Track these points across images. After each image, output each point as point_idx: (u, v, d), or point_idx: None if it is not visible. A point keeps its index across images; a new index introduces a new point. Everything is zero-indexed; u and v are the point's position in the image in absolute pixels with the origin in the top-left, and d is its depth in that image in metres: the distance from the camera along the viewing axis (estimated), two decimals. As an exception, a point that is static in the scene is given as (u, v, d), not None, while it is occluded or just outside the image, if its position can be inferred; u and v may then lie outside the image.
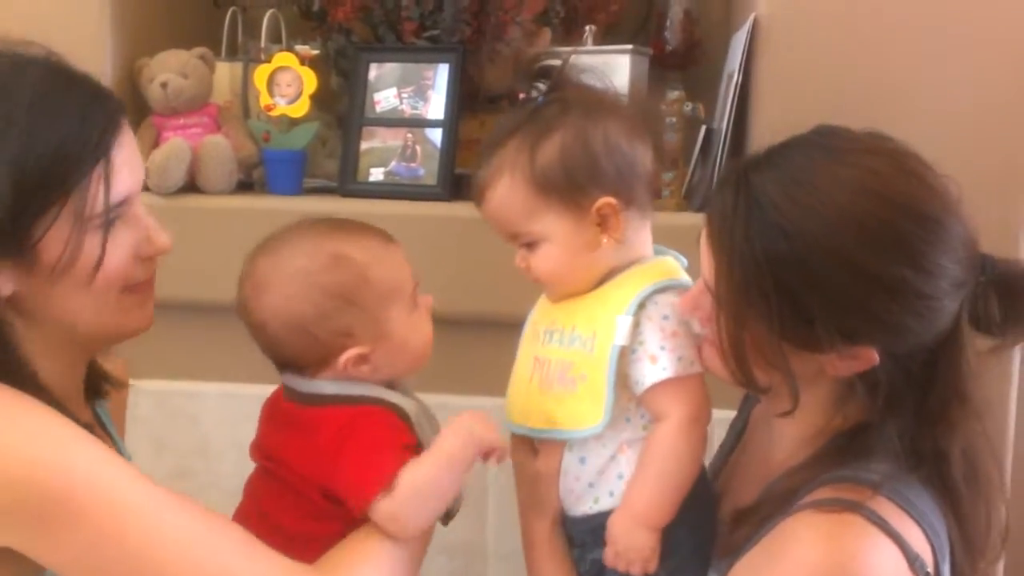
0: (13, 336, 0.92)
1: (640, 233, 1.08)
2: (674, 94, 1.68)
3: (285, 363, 1.06)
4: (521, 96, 1.07)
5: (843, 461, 0.94)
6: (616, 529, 1.02)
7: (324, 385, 1.04)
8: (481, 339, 1.55)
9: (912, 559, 0.89)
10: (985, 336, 0.94)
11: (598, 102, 1.06)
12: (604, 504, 1.05)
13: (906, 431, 0.94)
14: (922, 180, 0.92)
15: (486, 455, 1.02)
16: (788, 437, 1.02)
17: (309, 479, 1.02)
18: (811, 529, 0.89)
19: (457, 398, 1.69)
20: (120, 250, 0.95)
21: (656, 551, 1.01)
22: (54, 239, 0.89)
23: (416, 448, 1.02)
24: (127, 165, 0.95)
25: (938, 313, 0.90)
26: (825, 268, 0.88)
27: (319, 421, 1.02)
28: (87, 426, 0.92)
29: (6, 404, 0.87)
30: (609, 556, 1.03)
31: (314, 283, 1.01)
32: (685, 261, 1.10)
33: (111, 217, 0.93)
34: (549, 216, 1.03)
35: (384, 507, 0.98)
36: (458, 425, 1.02)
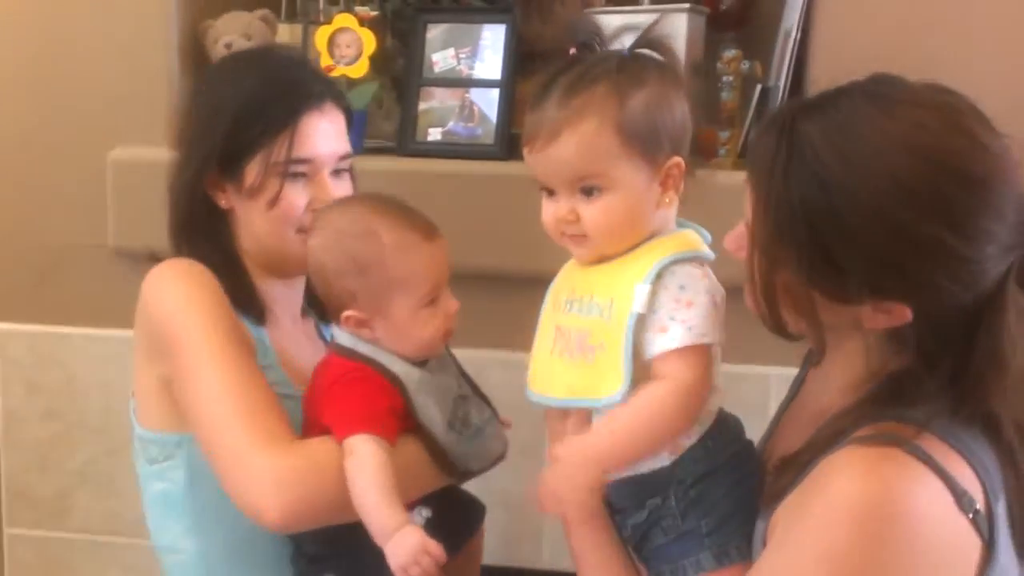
0: (229, 237, 1.28)
1: (674, 206, 1.09)
2: (731, 52, 1.68)
3: (322, 301, 1.22)
4: (571, 51, 1.07)
5: (890, 403, 0.92)
6: (568, 453, 1.02)
7: (342, 336, 1.19)
8: (536, 295, 1.57)
9: (959, 494, 0.86)
10: None
11: (675, 69, 1.06)
12: (638, 467, 1.04)
13: (944, 387, 0.91)
14: (973, 138, 0.88)
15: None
16: (835, 384, 1.00)
17: (313, 415, 1.17)
18: (851, 463, 0.88)
19: (514, 354, 1.71)
20: (296, 197, 1.25)
21: (595, 496, 1.01)
22: (252, 171, 1.23)
23: (404, 413, 1.15)
24: (314, 136, 1.25)
25: (978, 276, 0.88)
26: (859, 222, 0.87)
27: (330, 363, 1.19)
28: (282, 327, 1.32)
29: (184, 276, 1.23)
30: (547, 479, 1.02)
31: (342, 244, 1.16)
32: (708, 236, 1.09)
33: (291, 170, 1.24)
34: (627, 165, 1.02)
35: (345, 451, 1.11)
36: (404, 538, 1.06)
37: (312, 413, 1.18)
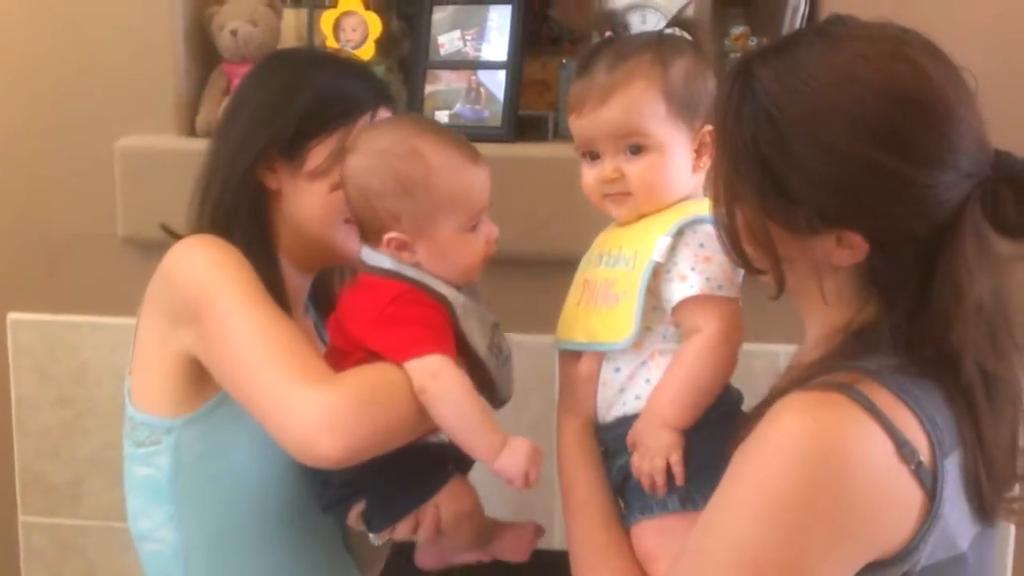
0: (267, 220, 1.26)
1: (704, 174, 1.15)
2: (738, 29, 1.67)
3: (358, 228, 1.20)
4: (607, 34, 1.16)
5: (849, 356, 0.93)
6: (640, 428, 1.09)
7: (384, 260, 1.17)
8: (544, 277, 1.56)
9: (900, 443, 0.87)
10: (1005, 238, 0.91)
11: (706, 47, 1.16)
12: (631, 407, 1.12)
13: (901, 326, 0.92)
14: (915, 65, 0.90)
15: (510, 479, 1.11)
16: (810, 338, 1.02)
17: (353, 338, 1.15)
18: (794, 405, 0.89)
19: (522, 336, 1.71)
20: None
21: (678, 448, 1.07)
22: (320, 152, 1.23)
23: (456, 337, 1.14)
24: None
25: (929, 202, 0.89)
26: (804, 150, 0.90)
27: (375, 285, 1.16)
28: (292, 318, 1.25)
29: (211, 246, 1.20)
30: (635, 460, 1.09)
31: (386, 164, 1.14)
32: None
33: None
34: (671, 126, 1.11)
35: (419, 372, 1.10)
36: (511, 449, 1.10)
37: (347, 337, 1.16)
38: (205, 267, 1.18)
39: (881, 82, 0.89)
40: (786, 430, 0.88)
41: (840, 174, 0.89)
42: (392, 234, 1.14)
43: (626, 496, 1.13)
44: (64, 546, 1.95)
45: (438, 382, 1.09)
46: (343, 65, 1.32)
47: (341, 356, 1.15)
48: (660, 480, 1.07)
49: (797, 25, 1.58)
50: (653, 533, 1.09)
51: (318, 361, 1.12)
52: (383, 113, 1.27)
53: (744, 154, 0.93)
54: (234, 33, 1.75)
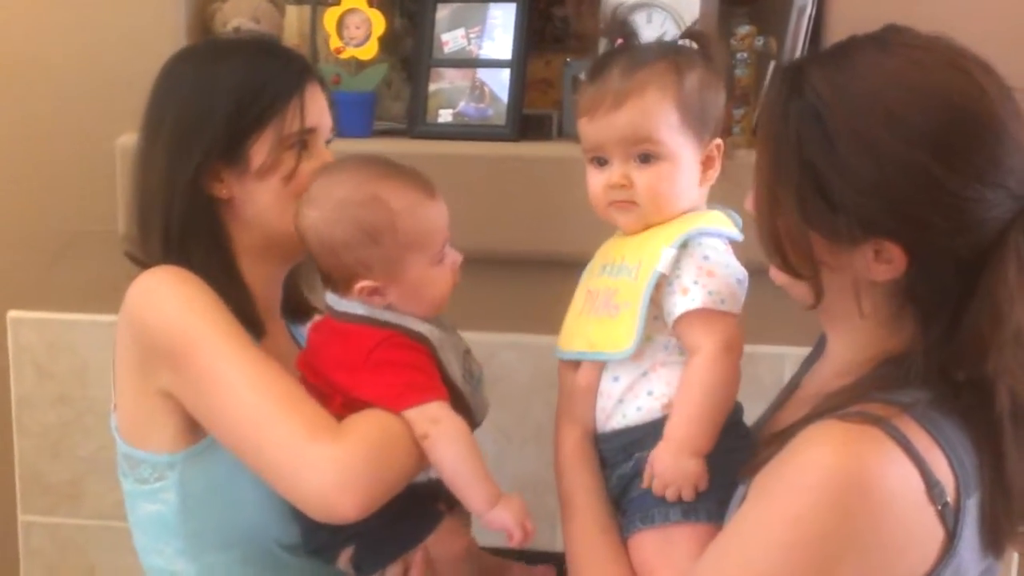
0: (225, 233, 1.22)
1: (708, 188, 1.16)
2: (745, 29, 1.66)
3: (322, 276, 1.19)
4: (618, 41, 1.16)
5: (882, 387, 0.92)
6: (662, 462, 1.06)
7: (355, 306, 1.16)
8: (548, 278, 1.56)
9: (931, 484, 0.86)
10: None
11: (719, 60, 1.15)
12: (631, 419, 1.11)
13: (935, 350, 0.91)
14: (969, 77, 0.88)
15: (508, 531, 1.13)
16: (836, 366, 1.01)
17: (335, 385, 1.14)
18: (828, 434, 0.88)
19: (525, 336, 1.72)
20: (311, 168, 1.21)
21: (704, 473, 1.05)
22: (261, 149, 1.19)
23: (440, 373, 1.15)
24: (315, 105, 1.23)
25: (968, 216, 0.87)
26: (849, 151, 0.89)
27: (351, 332, 1.15)
28: (268, 332, 1.24)
29: (178, 282, 1.16)
30: (658, 487, 1.07)
31: (349, 214, 1.12)
32: (740, 221, 1.13)
33: (303, 139, 1.21)
34: (682, 137, 1.10)
35: (420, 419, 1.10)
36: (506, 501, 1.13)
37: (325, 381, 1.15)
38: (175, 308, 1.14)
39: (934, 88, 0.88)
40: (821, 462, 0.87)
41: (883, 177, 0.88)
42: (364, 283, 1.13)
43: (625, 506, 1.12)
44: (64, 545, 1.94)
45: (441, 428, 1.10)
46: (250, 51, 1.25)
47: (322, 398, 1.13)
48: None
49: (804, 26, 1.57)
50: (653, 543, 1.07)
51: (316, 409, 1.10)
52: (312, 89, 1.22)
53: (788, 154, 0.92)
54: (237, 30, 1.74)
